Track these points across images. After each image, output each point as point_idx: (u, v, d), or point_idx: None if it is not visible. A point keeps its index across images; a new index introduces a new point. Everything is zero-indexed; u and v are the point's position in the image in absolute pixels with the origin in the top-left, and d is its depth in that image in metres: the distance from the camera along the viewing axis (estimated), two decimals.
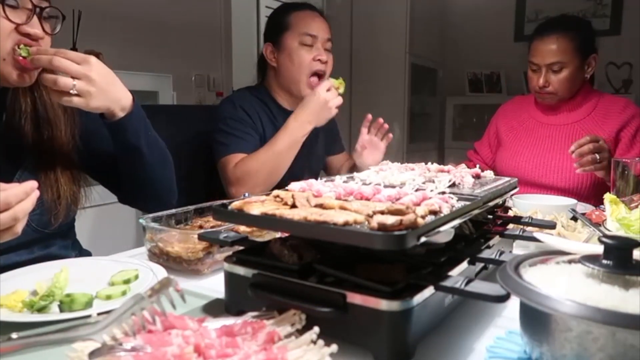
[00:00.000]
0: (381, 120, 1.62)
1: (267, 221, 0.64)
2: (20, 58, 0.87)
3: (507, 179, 0.95)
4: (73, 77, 0.88)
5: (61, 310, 0.69)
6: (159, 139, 1.10)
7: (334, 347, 0.53)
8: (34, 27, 0.88)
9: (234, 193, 1.45)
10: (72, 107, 0.97)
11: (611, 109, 1.72)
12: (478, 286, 0.57)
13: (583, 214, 1.15)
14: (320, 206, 0.65)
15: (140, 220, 0.94)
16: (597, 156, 1.45)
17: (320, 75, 1.59)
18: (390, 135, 1.63)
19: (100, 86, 0.91)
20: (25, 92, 0.98)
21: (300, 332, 0.57)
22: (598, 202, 1.36)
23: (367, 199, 0.70)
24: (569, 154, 1.48)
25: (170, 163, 1.13)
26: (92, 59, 0.90)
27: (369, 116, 1.63)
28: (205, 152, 1.86)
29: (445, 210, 0.64)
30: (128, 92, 0.98)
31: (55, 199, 0.99)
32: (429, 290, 0.59)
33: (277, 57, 1.62)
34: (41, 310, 0.69)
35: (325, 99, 1.44)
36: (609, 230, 0.97)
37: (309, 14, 1.61)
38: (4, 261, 0.94)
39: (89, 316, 0.63)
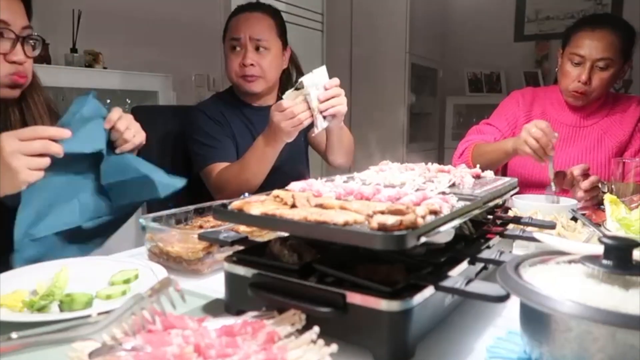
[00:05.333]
0: None
1: (267, 221, 0.64)
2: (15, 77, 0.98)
3: (507, 179, 0.95)
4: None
5: (61, 310, 0.69)
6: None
7: (334, 347, 0.53)
8: (18, 55, 0.98)
9: (219, 200, 1.45)
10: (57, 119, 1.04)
11: (626, 107, 1.70)
12: (478, 286, 0.57)
13: (583, 214, 1.15)
14: (320, 206, 0.65)
15: (140, 220, 0.94)
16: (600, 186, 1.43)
17: (253, 78, 1.55)
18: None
19: None
20: (14, 103, 1.05)
21: (300, 332, 0.57)
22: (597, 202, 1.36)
23: (367, 199, 0.70)
24: (580, 159, 1.46)
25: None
26: None
27: None
28: None
29: (445, 210, 0.64)
30: None
31: None
32: (429, 290, 0.59)
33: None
34: (41, 310, 0.69)
35: (277, 123, 1.28)
36: (609, 230, 0.97)
37: (238, 17, 1.58)
38: None
39: (89, 316, 0.63)
